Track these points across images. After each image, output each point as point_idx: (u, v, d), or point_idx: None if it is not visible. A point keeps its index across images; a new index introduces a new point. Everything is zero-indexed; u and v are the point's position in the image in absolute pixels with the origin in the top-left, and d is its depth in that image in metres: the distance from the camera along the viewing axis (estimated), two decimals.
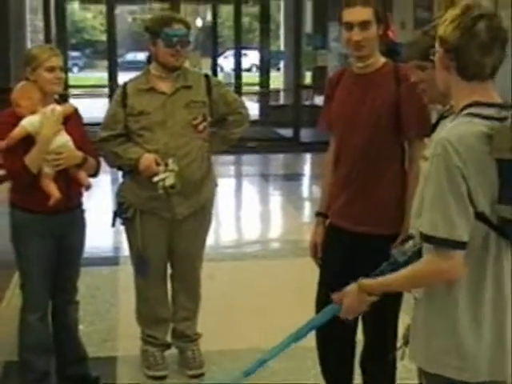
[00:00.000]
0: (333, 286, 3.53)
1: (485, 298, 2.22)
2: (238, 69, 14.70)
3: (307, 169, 13.15)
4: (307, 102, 16.21)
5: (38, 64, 3.66)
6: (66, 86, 14.16)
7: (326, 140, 3.76)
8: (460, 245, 2.14)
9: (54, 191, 3.65)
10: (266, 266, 6.54)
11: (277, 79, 19.60)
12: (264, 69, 17.94)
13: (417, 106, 3.31)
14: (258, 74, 19.08)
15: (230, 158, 11.88)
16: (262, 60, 18.11)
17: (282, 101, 18.30)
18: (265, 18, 18.04)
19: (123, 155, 4.01)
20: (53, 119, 3.65)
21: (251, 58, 27.45)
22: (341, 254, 3.52)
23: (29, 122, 3.63)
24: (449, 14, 2.24)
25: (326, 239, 3.63)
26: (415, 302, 2.39)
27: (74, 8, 33.79)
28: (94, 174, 3.92)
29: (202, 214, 4.20)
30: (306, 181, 11.88)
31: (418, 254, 2.30)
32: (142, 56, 31.74)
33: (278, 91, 18.99)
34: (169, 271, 4.33)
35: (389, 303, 2.48)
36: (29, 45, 16.14)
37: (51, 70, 3.67)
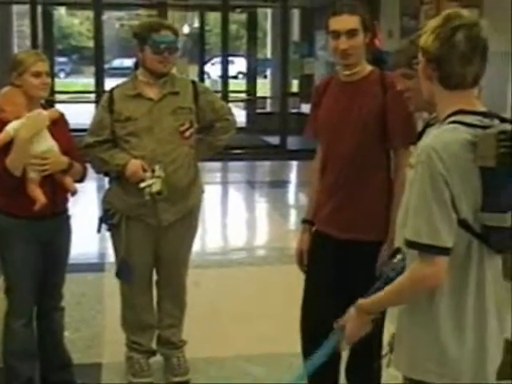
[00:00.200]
0: (319, 293, 3.57)
1: (467, 305, 2.23)
2: (224, 76, 14.70)
3: (293, 176, 13.18)
4: (294, 110, 16.25)
5: (24, 69, 3.65)
6: (53, 92, 14.15)
7: (313, 148, 3.77)
8: (443, 251, 2.15)
9: (39, 196, 3.64)
10: (252, 272, 6.54)
11: (264, 87, 19.65)
12: (251, 76, 18.00)
13: (403, 114, 3.32)
14: (244, 81, 19.14)
15: (217, 164, 11.88)
16: (248, 67, 18.19)
17: (268, 108, 18.34)
18: (252, 25, 18.14)
19: (110, 161, 4.00)
20: (33, 120, 3.63)
21: (238, 65, 27.49)
22: (327, 261, 3.53)
23: (13, 128, 3.62)
24: (430, 24, 2.27)
25: (312, 246, 3.63)
26: (399, 311, 2.40)
27: (60, 14, 33.73)
28: (80, 180, 3.91)
29: (189, 221, 4.20)
30: (292, 188, 11.90)
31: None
32: (128, 62, 31.73)
33: (264, 99, 19.02)
34: (154, 278, 4.32)
35: None
36: (15, 50, 16.12)
37: (37, 75, 3.66)
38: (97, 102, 12.79)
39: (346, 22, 3.33)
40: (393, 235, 3.16)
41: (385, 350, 2.67)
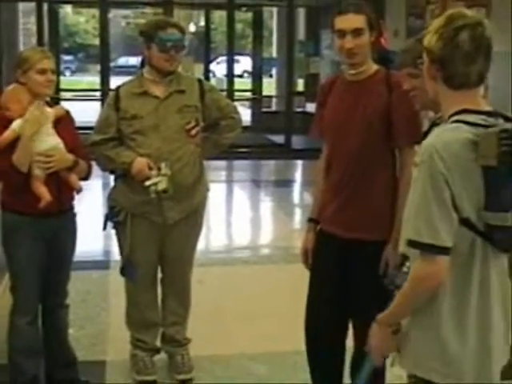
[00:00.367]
0: (323, 293, 3.57)
1: (470, 304, 2.23)
2: (230, 75, 14.70)
3: (298, 175, 13.17)
4: (299, 109, 16.25)
5: (29, 66, 3.65)
6: (58, 90, 14.16)
7: (318, 147, 3.77)
8: (443, 250, 2.15)
9: (44, 194, 3.64)
10: (257, 271, 6.54)
11: (269, 86, 19.63)
12: (256, 75, 18.00)
13: (408, 113, 3.33)
14: (250, 80, 19.13)
15: (222, 163, 11.89)
16: (254, 66, 18.18)
17: (274, 107, 18.34)
18: (258, 24, 18.13)
19: (116, 159, 4.00)
20: (36, 116, 3.63)
21: (244, 64, 27.49)
22: (331, 261, 3.53)
23: (18, 125, 3.62)
24: (433, 24, 2.27)
25: (317, 245, 3.63)
26: None
27: (66, 12, 33.76)
28: (86, 178, 3.92)
29: (194, 219, 4.20)
30: (297, 187, 11.90)
31: None
32: (134, 60, 31.77)
33: (270, 98, 19.01)
34: (159, 275, 4.32)
35: (378, 310, 2.48)
36: (21, 48, 16.13)
37: (42, 72, 3.66)
38: (102, 99, 12.81)
39: (351, 21, 3.33)
40: (397, 234, 3.17)
41: None
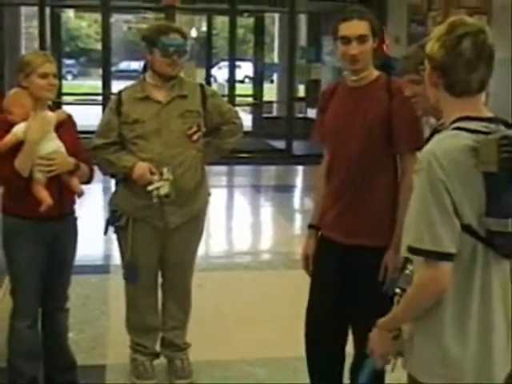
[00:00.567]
0: (324, 298, 3.57)
1: (471, 310, 2.23)
2: (231, 80, 14.72)
3: (299, 181, 13.18)
4: (300, 115, 16.26)
5: (31, 70, 3.66)
6: (60, 94, 14.18)
7: (319, 153, 3.77)
8: (446, 256, 2.16)
9: (45, 197, 3.65)
10: (257, 276, 6.54)
11: (270, 91, 19.65)
12: (257, 80, 18.02)
13: (409, 119, 3.33)
14: (251, 85, 19.15)
15: (223, 168, 11.90)
16: (255, 72, 18.21)
17: (275, 113, 18.36)
18: (259, 30, 18.18)
19: (117, 163, 4.01)
20: (40, 122, 3.64)
21: (245, 69, 27.52)
22: (332, 267, 3.53)
23: (20, 129, 3.63)
24: (435, 31, 2.27)
25: (318, 251, 3.64)
26: None
27: (68, 16, 33.79)
28: (87, 182, 3.92)
29: (195, 224, 4.21)
30: (297, 193, 11.90)
31: None
32: (135, 65, 31.82)
33: (271, 103, 19.03)
34: (159, 280, 4.32)
35: (378, 315, 2.48)
36: (23, 52, 16.15)
37: (44, 76, 3.67)
38: (104, 104, 12.82)
39: (356, 27, 3.33)
40: (398, 240, 3.17)
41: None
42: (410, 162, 3.35)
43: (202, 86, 4.25)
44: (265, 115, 17.70)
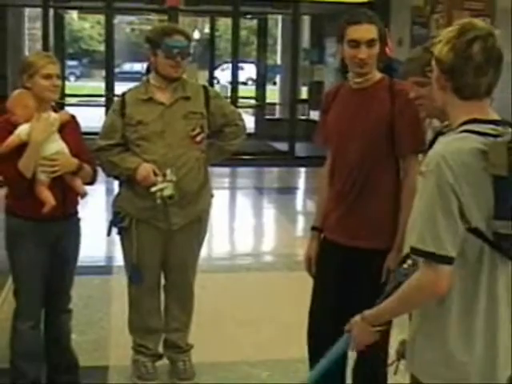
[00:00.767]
0: (326, 301, 3.57)
1: (477, 312, 2.23)
2: (234, 82, 14.73)
3: (302, 183, 13.18)
4: (303, 117, 16.27)
5: (34, 71, 3.66)
6: (63, 95, 14.19)
7: (322, 154, 3.77)
8: (446, 259, 2.15)
9: (48, 198, 3.65)
10: (260, 278, 6.54)
11: (273, 93, 19.65)
12: (260, 82, 18.02)
13: (411, 121, 3.34)
14: (254, 87, 19.15)
15: (225, 170, 11.90)
16: (258, 74, 18.20)
17: (277, 115, 18.36)
18: (262, 32, 18.18)
19: (121, 165, 4.01)
20: (44, 123, 3.65)
21: (248, 71, 27.53)
22: (335, 269, 3.53)
23: (23, 130, 3.63)
24: (444, 34, 2.26)
25: (320, 253, 3.64)
26: (413, 314, 2.40)
27: (72, 18, 33.82)
28: (91, 182, 3.92)
29: (198, 225, 4.21)
30: (300, 195, 11.90)
31: None
32: (138, 66, 31.88)
33: (273, 105, 19.03)
34: (162, 281, 4.33)
35: None
36: (27, 53, 16.17)
37: (48, 77, 3.67)
38: (106, 105, 12.82)
39: (366, 31, 3.33)
40: (400, 242, 3.17)
41: (392, 357, 2.67)
42: (412, 164, 3.35)
43: (205, 87, 4.25)
44: (267, 117, 17.70)
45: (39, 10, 14.89)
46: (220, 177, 11.07)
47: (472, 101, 2.24)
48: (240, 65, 16.80)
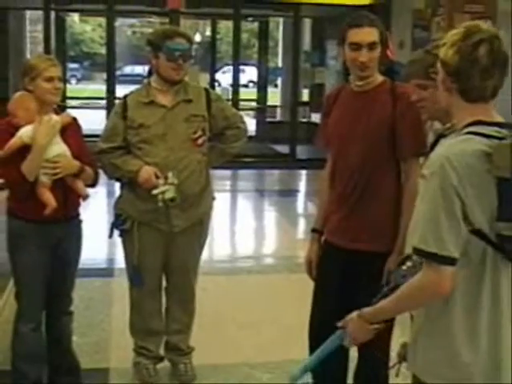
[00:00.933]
0: (327, 303, 3.57)
1: (481, 313, 2.23)
2: (235, 84, 14.74)
3: (303, 185, 13.17)
4: (304, 119, 16.27)
5: (36, 74, 3.66)
6: (64, 98, 14.20)
7: (323, 157, 3.78)
8: (448, 260, 2.16)
9: (49, 200, 3.65)
10: (261, 280, 6.54)
11: (274, 95, 19.65)
12: (261, 85, 18.03)
13: (412, 124, 3.34)
14: (255, 90, 19.16)
15: (226, 172, 11.90)
16: (259, 76, 18.21)
17: (278, 117, 18.37)
18: (263, 34, 18.19)
19: (122, 167, 4.02)
20: (47, 126, 3.65)
21: (249, 74, 27.54)
22: (336, 271, 3.53)
23: (25, 133, 3.63)
24: (449, 36, 2.27)
25: (321, 256, 3.64)
26: (416, 314, 2.40)
27: (73, 20, 33.85)
28: (92, 185, 3.92)
29: (200, 228, 4.21)
30: (301, 197, 11.90)
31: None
32: (139, 69, 31.90)
33: (275, 107, 19.04)
34: (164, 284, 4.33)
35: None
36: (28, 56, 16.20)
37: (50, 79, 3.67)
38: (108, 108, 12.83)
39: (367, 34, 3.33)
40: (401, 245, 3.17)
41: (394, 360, 2.67)
42: (413, 167, 3.36)
43: (206, 90, 4.26)
44: (269, 119, 17.72)
45: (41, 12, 14.90)
46: (221, 179, 11.07)
47: (477, 103, 2.25)
48: (241, 67, 16.77)
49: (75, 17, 29.71)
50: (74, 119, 3.93)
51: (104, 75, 16.12)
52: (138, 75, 30.15)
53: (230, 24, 17.58)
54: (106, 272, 6.49)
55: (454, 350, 2.25)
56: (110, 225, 4.18)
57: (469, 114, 2.26)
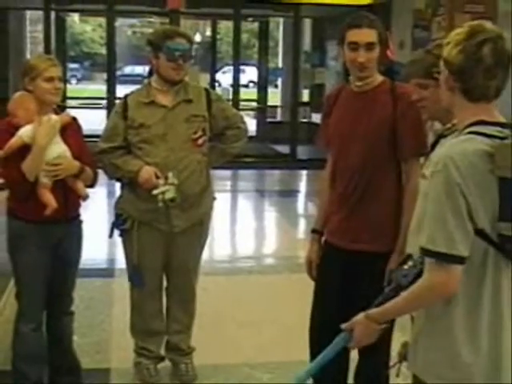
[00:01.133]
0: (328, 304, 3.57)
1: (482, 314, 2.23)
2: (235, 85, 14.74)
3: (303, 185, 13.18)
4: (304, 120, 16.27)
5: (36, 74, 3.66)
6: (64, 98, 14.20)
7: (323, 157, 3.78)
8: (458, 259, 2.16)
9: (50, 201, 3.65)
10: (261, 281, 6.54)
11: (274, 96, 19.66)
12: (262, 85, 18.03)
13: (413, 124, 3.34)
14: (255, 90, 19.16)
15: (227, 173, 11.90)
16: (259, 76, 18.22)
17: (279, 117, 18.38)
18: (264, 34, 18.19)
19: (123, 167, 4.02)
20: (47, 126, 3.65)
21: (249, 74, 27.54)
22: (336, 272, 3.52)
23: (25, 133, 3.63)
24: (453, 36, 2.27)
25: (322, 257, 3.64)
26: (417, 314, 2.40)
27: (73, 20, 33.88)
28: (91, 185, 3.91)
29: (200, 228, 4.21)
30: (301, 197, 11.90)
31: (419, 275, 2.29)
32: (140, 69, 31.91)
33: (275, 108, 19.04)
34: (164, 284, 4.33)
35: None
36: (28, 56, 16.21)
37: (50, 80, 3.67)
38: (108, 108, 12.84)
39: (365, 35, 3.34)
40: (402, 245, 3.17)
41: (394, 360, 2.67)
42: (414, 167, 3.36)
43: (207, 90, 4.26)
44: (269, 120, 17.73)
45: (41, 12, 14.91)
46: (221, 179, 11.08)
47: (480, 103, 2.25)
48: (241, 67, 16.78)
49: (75, 17, 29.73)
50: (74, 119, 3.93)
51: (104, 75, 16.14)
52: (138, 75, 30.15)
53: (230, 24, 17.60)
54: (107, 272, 6.49)
55: (454, 350, 2.25)
56: (110, 225, 4.18)
57: (471, 113, 2.26)
